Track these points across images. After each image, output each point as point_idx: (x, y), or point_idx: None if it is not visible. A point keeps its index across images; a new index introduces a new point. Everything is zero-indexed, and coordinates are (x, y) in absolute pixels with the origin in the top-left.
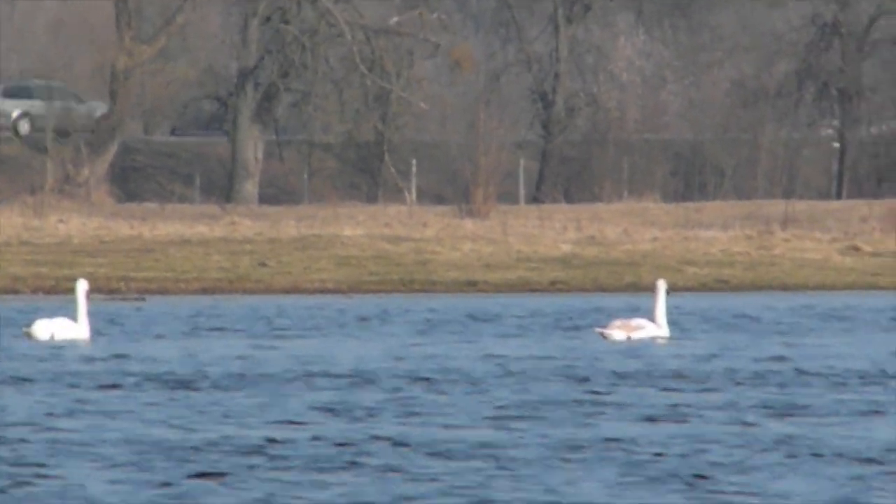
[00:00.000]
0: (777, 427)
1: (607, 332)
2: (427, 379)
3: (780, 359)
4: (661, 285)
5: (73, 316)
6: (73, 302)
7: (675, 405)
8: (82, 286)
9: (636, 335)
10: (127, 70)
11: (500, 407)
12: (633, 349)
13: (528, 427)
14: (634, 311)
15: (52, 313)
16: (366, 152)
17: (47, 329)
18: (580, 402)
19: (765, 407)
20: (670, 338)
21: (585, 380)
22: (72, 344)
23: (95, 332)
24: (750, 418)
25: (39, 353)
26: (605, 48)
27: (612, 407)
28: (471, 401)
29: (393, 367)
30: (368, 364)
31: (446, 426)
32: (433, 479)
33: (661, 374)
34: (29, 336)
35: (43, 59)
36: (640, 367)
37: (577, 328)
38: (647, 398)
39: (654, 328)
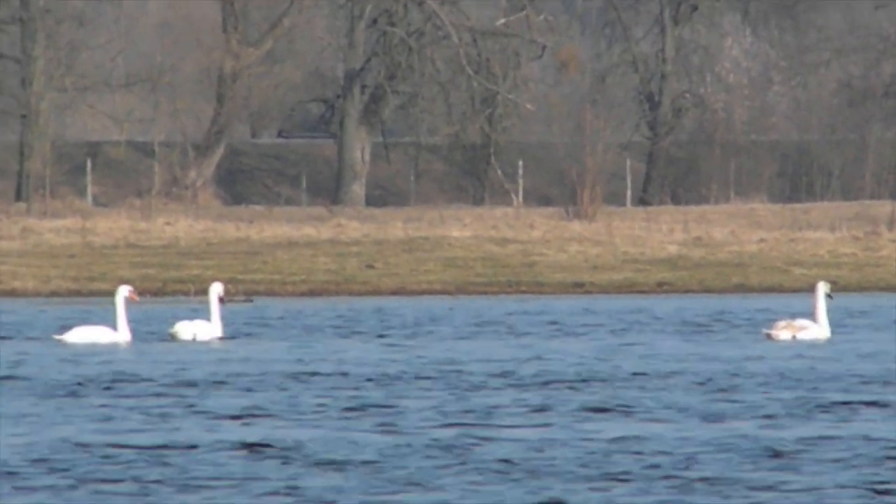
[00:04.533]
0: None
1: (774, 333)
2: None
3: None
4: (822, 287)
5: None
6: (191, 303)
7: None
8: (216, 290)
9: (801, 335)
10: (234, 73)
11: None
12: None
13: None
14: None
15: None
16: (472, 154)
17: (190, 330)
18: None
19: None
20: (831, 338)
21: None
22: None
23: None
24: None
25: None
26: (711, 49)
27: None
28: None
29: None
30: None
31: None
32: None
33: None
34: (173, 337)
35: (149, 62)
36: None
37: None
38: None
39: (817, 328)
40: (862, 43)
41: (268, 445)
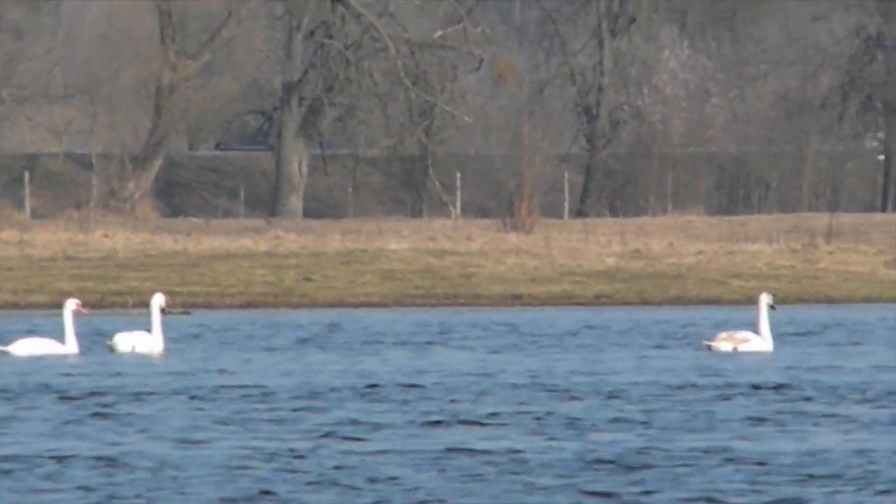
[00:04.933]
0: None
1: (715, 344)
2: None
3: None
4: (765, 298)
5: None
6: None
7: None
8: (157, 301)
9: (742, 347)
10: (171, 84)
11: None
12: None
13: None
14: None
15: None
16: (410, 166)
17: (129, 342)
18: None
19: None
20: (774, 351)
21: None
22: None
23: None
24: None
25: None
26: (649, 61)
27: None
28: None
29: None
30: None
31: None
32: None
33: None
34: (112, 349)
35: (88, 74)
36: None
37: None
38: None
39: (759, 341)
40: (799, 55)
41: (125, 461)
